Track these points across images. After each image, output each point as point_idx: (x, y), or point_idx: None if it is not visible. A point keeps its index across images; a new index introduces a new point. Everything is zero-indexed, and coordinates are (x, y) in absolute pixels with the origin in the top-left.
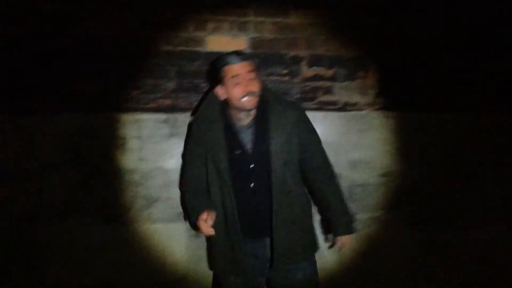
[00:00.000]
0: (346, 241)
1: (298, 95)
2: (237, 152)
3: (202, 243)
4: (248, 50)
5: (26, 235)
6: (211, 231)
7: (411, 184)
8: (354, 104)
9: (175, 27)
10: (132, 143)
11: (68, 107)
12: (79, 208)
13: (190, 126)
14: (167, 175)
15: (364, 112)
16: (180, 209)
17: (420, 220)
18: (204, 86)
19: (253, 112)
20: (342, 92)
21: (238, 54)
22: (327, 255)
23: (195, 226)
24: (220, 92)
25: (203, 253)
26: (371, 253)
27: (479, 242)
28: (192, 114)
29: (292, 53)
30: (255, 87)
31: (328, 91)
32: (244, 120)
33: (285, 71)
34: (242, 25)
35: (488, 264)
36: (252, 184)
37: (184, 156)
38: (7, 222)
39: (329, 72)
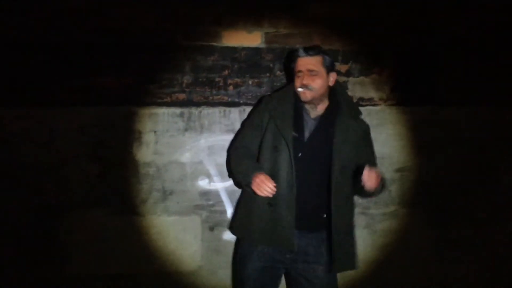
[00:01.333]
0: (373, 171)
1: None
2: (294, 134)
3: (217, 236)
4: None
5: (46, 227)
6: (270, 192)
7: (426, 179)
8: (369, 99)
9: (191, 21)
10: (148, 137)
11: (86, 101)
12: (97, 200)
13: (260, 99)
14: (182, 169)
15: (379, 107)
16: (195, 202)
17: (435, 215)
18: (219, 80)
19: (320, 108)
20: (357, 87)
21: (309, 48)
22: None
23: (245, 184)
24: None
25: (218, 245)
26: (386, 247)
27: (495, 238)
28: (208, 106)
29: None
30: (312, 82)
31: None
32: (311, 112)
33: None
34: (257, 20)
35: (505, 260)
36: (299, 175)
37: (243, 124)
38: (28, 214)
39: (344, 67)
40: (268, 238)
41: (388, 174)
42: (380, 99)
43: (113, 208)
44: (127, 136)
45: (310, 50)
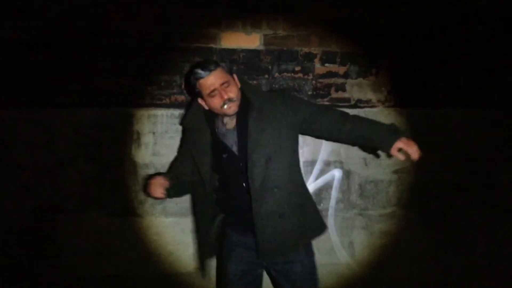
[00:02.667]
0: (404, 142)
1: (311, 92)
2: (224, 155)
3: None
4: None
5: (44, 228)
6: (160, 193)
7: (424, 181)
8: (367, 101)
9: (189, 23)
10: (147, 138)
11: (84, 102)
12: (95, 201)
13: (182, 128)
14: None
15: (376, 109)
16: None
17: (433, 216)
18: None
19: (234, 116)
20: (355, 89)
21: (206, 64)
22: (339, 251)
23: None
24: (202, 103)
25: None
26: (383, 249)
27: (493, 239)
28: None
29: (305, 50)
30: (232, 93)
31: (340, 88)
32: (230, 123)
33: (298, 68)
34: (256, 22)
35: (502, 261)
36: (244, 184)
37: (178, 151)
38: (25, 215)
39: (342, 69)
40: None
41: (386, 175)
42: (378, 101)
43: (111, 209)
44: (125, 138)
45: (209, 65)
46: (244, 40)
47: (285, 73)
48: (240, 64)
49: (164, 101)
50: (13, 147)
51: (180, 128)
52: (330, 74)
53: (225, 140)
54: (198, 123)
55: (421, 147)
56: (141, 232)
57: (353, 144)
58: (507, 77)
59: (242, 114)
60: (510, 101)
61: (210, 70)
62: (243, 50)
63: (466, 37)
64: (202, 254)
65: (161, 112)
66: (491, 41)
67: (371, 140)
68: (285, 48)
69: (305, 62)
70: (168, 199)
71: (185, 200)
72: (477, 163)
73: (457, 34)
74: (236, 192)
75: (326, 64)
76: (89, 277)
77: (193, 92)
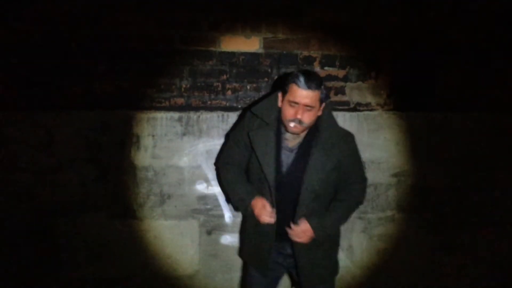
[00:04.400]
0: (302, 225)
1: None
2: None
3: (214, 240)
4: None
5: (43, 229)
6: (273, 219)
7: (423, 184)
8: (366, 104)
9: (189, 27)
10: (146, 141)
11: (84, 105)
12: (94, 204)
13: (244, 112)
14: (180, 173)
15: (376, 112)
16: (193, 206)
17: (431, 220)
18: (218, 85)
19: (300, 137)
20: (354, 92)
21: (311, 80)
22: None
23: (242, 210)
24: (280, 98)
25: (215, 249)
26: (383, 252)
27: (492, 242)
28: (208, 110)
29: (304, 53)
30: (306, 118)
31: (340, 91)
32: (291, 141)
33: None
34: (255, 25)
35: (501, 264)
36: (278, 203)
37: (229, 137)
38: (25, 217)
39: (341, 72)
40: (251, 260)
41: (385, 179)
42: (377, 104)
43: (110, 211)
44: (125, 140)
45: (312, 83)
46: (244, 43)
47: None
48: (240, 67)
49: (163, 104)
50: (13, 149)
51: (179, 130)
52: (329, 78)
53: (282, 156)
54: (270, 116)
55: (420, 150)
56: (140, 234)
57: None
58: (507, 80)
59: (308, 141)
60: (509, 105)
61: (309, 88)
62: (242, 53)
63: (466, 41)
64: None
65: (160, 115)
66: (491, 44)
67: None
68: (284, 52)
69: (305, 65)
70: (167, 202)
71: (185, 203)
72: (476, 167)
73: (457, 37)
74: (273, 204)
75: (326, 68)
76: (88, 279)
77: (282, 86)
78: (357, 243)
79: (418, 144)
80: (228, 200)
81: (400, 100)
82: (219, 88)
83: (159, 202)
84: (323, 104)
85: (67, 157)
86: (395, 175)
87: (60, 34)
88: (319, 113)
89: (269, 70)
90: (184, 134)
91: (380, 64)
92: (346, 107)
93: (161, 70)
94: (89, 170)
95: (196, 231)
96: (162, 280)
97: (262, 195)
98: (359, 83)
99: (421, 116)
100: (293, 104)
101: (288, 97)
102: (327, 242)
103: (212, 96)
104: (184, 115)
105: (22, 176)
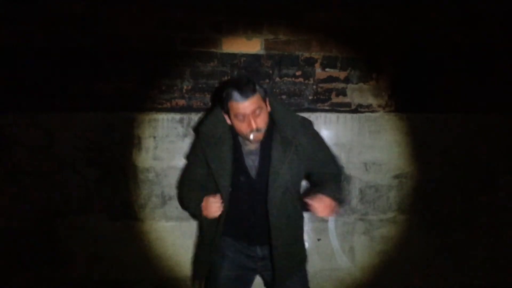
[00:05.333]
0: (325, 199)
1: (312, 97)
2: (242, 178)
3: None
4: (246, 75)
5: (44, 230)
6: (219, 208)
7: (424, 186)
8: (367, 106)
9: (191, 28)
10: (147, 142)
11: (86, 106)
12: (95, 205)
13: (196, 131)
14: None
15: (377, 113)
16: None
17: (433, 221)
18: (219, 87)
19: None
20: (355, 94)
21: (245, 89)
22: (339, 256)
23: (198, 212)
24: (227, 118)
25: None
26: (384, 254)
27: (493, 244)
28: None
29: (306, 54)
30: (260, 123)
31: (341, 92)
32: (251, 145)
33: (298, 73)
34: (257, 27)
35: (503, 266)
36: (251, 206)
37: (188, 158)
38: (27, 218)
39: (343, 74)
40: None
41: (386, 180)
42: (379, 106)
43: (111, 213)
44: (126, 142)
45: (247, 91)
46: (245, 44)
47: (285, 78)
48: (241, 69)
49: (165, 105)
50: (14, 151)
51: (181, 132)
52: (330, 79)
53: (246, 161)
54: (220, 133)
55: (422, 151)
56: (141, 236)
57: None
58: (507, 81)
59: (267, 138)
60: (510, 105)
61: (247, 97)
62: (244, 55)
63: (466, 42)
64: (200, 267)
65: (162, 116)
66: (491, 45)
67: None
68: (286, 53)
69: (306, 66)
70: (168, 203)
71: None
72: (478, 168)
73: (457, 38)
74: (244, 210)
75: (327, 69)
76: (89, 280)
77: (221, 105)
78: (358, 244)
79: (419, 146)
80: (191, 213)
81: (402, 102)
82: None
83: (160, 203)
84: (267, 100)
85: (68, 158)
86: (396, 176)
87: (62, 35)
88: (268, 109)
89: (270, 72)
90: (185, 136)
91: (382, 66)
92: (347, 109)
93: (162, 71)
94: (90, 171)
95: (197, 232)
96: (163, 282)
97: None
98: (361, 84)
99: (422, 117)
100: (241, 118)
101: (233, 113)
102: (297, 236)
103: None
104: (185, 116)
105: (23, 178)
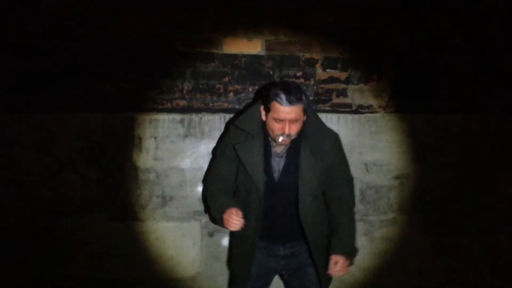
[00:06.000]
0: (340, 261)
1: (312, 97)
2: (265, 177)
3: (216, 242)
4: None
5: (45, 231)
6: (238, 225)
7: (425, 187)
8: (368, 107)
9: (192, 29)
10: (148, 143)
11: (86, 106)
12: (96, 205)
13: (228, 126)
14: (182, 175)
15: (378, 114)
16: (195, 208)
17: (433, 222)
18: (220, 87)
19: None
20: (356, 95)
21: (292, 95)
22: None
23: (218, 220)
24: (263, 113)
25: (217, 251)
26: (384, 254)
27: (494, 245)
28: (209, 112)
29: (306, 55)
30: (293, 130)
31: (342, 93)
32: (278, 147)
33: (299, 73)
34: (258, 27)
35: (503, 267)
36: (272, 206)
37: (215, 153)
38: (27, 219)
39: (343, 75)
40: (234, 268)
41: (387, 181)
42: (379, 107)
43: (112, 213)
44: (127, 142)
45: (294, 98)
46: (246, 45)
47: (286, 78)
48: (242, 69)
49: (165, 106)
50: (15, 151)
51: (181, 132)
52: (331, 80)
53: (272, 163)
54: (253, 128)
55: (422, 152)
56: (142, 236)
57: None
58: (508, 82)
59: (295, 144)
60: (511, 106)
61: (292, 104)
62: (244, 56)
63: (467, 43)
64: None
65: (162, 117)
66: (492, 46)
67: (333, 238)
68: (286, 54)
69: (307, 67)
70: (169, 204)
71: (186, 205)
72: (478, 169)
73: (458, 39)
74: (265, 210)
75: (328, 70)
76: (90, 280)
77: (263, 102)
78: (359, 245)
79: (420, 146)
80: (210, 215)
81: (402, 102)
82: (221, 90)
83: (161, 204)
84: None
85: (69, 158)
86: (397, 177)
87: (63, 35)
88: (304, 119)
89: (271, 72)
90: (186, 136)
91: (382, 66)
92: (348, 109)
93: (163, 72)
94: (90, 172)
95: (198, 233)
96: (164, 282)
97: (249, 205)
98: (361, 85)
99: (423, 118)
100: (278, 121)
101: (272, 114)
102: (327, 242)
103: (214, 98)
104: (186, 117)
105: (24, 178)
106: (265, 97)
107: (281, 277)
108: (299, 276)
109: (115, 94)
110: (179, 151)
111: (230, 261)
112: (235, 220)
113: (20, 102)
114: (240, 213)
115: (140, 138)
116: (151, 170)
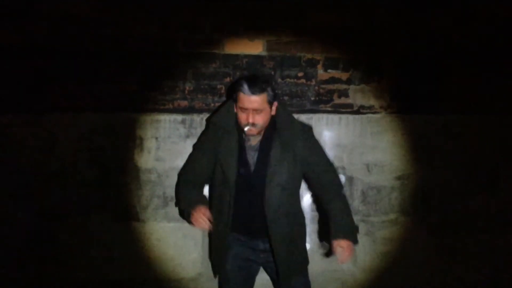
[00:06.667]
0: (345, 246)
1: (314, 98)
2: (241, 171)
3: None
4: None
5: (46, 232)
6: (206, 225)
7: (427, 187)
8: (369, 107)
9: (193, 29)
10: (150, 143)
11: (88, 107)
12: (97, 206)
13: (207, 123)
14: None
15: (379, 115)
16: None
17: (435, 223)
18: (221, 87)
19: (259, 135)
20: (358, 95)
21: (254, 85)
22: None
23: (186, 214)
24: (235, 108)
25: None
26: (386, 255)
27: (495, 245)
28: (211, 113)
29: (308, 55)
30: (257, 120)
31: (343, 94)
32: (252, 140)
33: (300, 74)
34: (259, 28)
35: (505, 268)
36: (249, 200)
37: (194, 147)
38: (28, 219)
39: (345, 75)
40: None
41: (388, 182)
42: (381, 107)
43: (113, 214)
44: (128, 142)
45: (255, 89)
46: (247, 46)
47: (287, 79)
48: (243, 70)
49: (167, 106)
50: (16, 152)
51: (183, 133)
52: (333, 80)
53: (247, 156)
54: (229, 124)
55: (423, 153)
56: (143, 237)
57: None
58: (509, 82)
59: (267, 138)
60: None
61: (254, 94)
62: (246, 56)
63: (469, 44)
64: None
65: (164, 117)
66: (493, 47)
67: (331, 224)
68: (288, 54)
69: (308, 68)
70: (170, 204)
71: None
72: (479, 169)
73: (460, 40)
74: (243, 204)
75: (329, 70)
76: (91, 281)
77: (231, 95)
78: (360, 246)
79: (421, 147)
80: (179, 209)
81: (404, 103)
82: (223, 91)
83: (162, 204)
84: (275, 104)
85: (70, 159)
86: (398, 178)
87: (65, 36)
88: (273, 113)
89: (272, 73)
90: (187, 137)
91: (384, 67)
92: (349, 110)
93: (164, 72)
94: (92, 172)
95: (199, 233)
96: (165, 283)
97: (223, 199)
98: (363, 85)
99: (424, 119)
100: (243, 109)
101: (238, 104)
102: (298, 234)
103: (216, 99)
104: (187, 117)
105: (25, 178)
106: (233, 89)
107: (266, 271)
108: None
109: (117, 95)
110: (181, 151)
111: (210, 254)
112: (202, 219)
113: (21, 103)
114: (208, 213)
115: (141, 139)
116: (153, 170)
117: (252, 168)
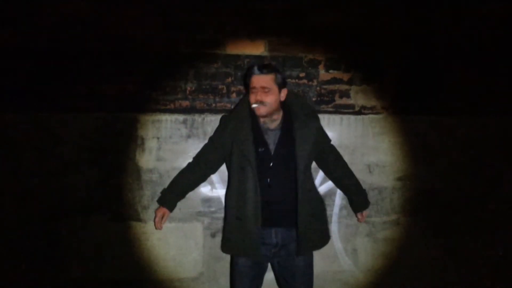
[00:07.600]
0: (365, 214)
1: (315, 98)
2: (261, 149)
3: (218, 243)
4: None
5: (48, 231)
6: (159, 228)
7: (428, 188)
8: (371, 108)
9: (195, 29)
10: (151, 143)
11: (89, 107)
12: (99, 206)
13: (222, 119)
14: None
15: (381, 115)
16: (197, 209)
17: (436, 223)
18: (223, 88)
19: (276, 118)
20: (359, 96)
21: (263, 66)
22: (342, 258)
23: (161, 193)
24: (248, 97)
25: (219, 252)
26: (387, 256)
27: (496, 246)
28: (212, 113)
29: (309, 56)
30: (266, 98)
31: (345, 94)
32: (270, 124)
33: (302, 74)
34: (260, 28)
35: (506, 268)
36: (269, 180)
37: (209, 138)
38: (30, 219)
39: (346, 76)
40: (240, 250)
41: (390, 182)
42: (382, 108)
43: (115, 214)
44: (130, 143)
45: (264, 69)
46: (249, 46)
47: (289, 79)
48: (245, 70)
49: (168, 106)
50: (18, 151)
51: (184, 133)
52: (334, 81)
53: (265, 136)
54: (242, 114)
55: (425, 153)
56: (144, 237)
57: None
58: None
59: (286, 121)
60: None
61: (262, 72)
62: (247, 56)
63: (471, 45)
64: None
65: (165, 117)
66: (495, 48)
67: (348, 194)
68: (289, 55)
69: (310, 68)
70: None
71: (189, 206)
72: (481, 170)
73: (462, 41)
74: (256, 186)
75: (331, 71)
76: (92, 280)
77: (245, 83)
78: (362, 246)
79: (423, 148)
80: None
81: (405, 104)
82: (224, 91)
83: None
84: (284, 90)
85: (72, 159)
86: (400, 178)
87: (66, 36)
88: (282, 98)
89: None
90: (189, 137)
91: (385, 67)
92: (351, 110)
93: (166, 72)
94: (93, 172)
95: (200, 233)
96: (166, 283)
97: (246, 183)
98: (364, 86)
99: (426, 119)
100: (253, 90)
101: (250, 86)
102: (319, 209)
103: (217, 99)
104: (189, 117)
105: (26, 178)
106: (245, 79)
107: (272, 266)
108: (288, 267)
109: (118, 95)
110: (182, 151)
111: (229, 249)
112: (157, 222)
113: (23, 103)
114: (165, 219)
115: (143, 139)
116: (154, 170)
117: (273, 147)
